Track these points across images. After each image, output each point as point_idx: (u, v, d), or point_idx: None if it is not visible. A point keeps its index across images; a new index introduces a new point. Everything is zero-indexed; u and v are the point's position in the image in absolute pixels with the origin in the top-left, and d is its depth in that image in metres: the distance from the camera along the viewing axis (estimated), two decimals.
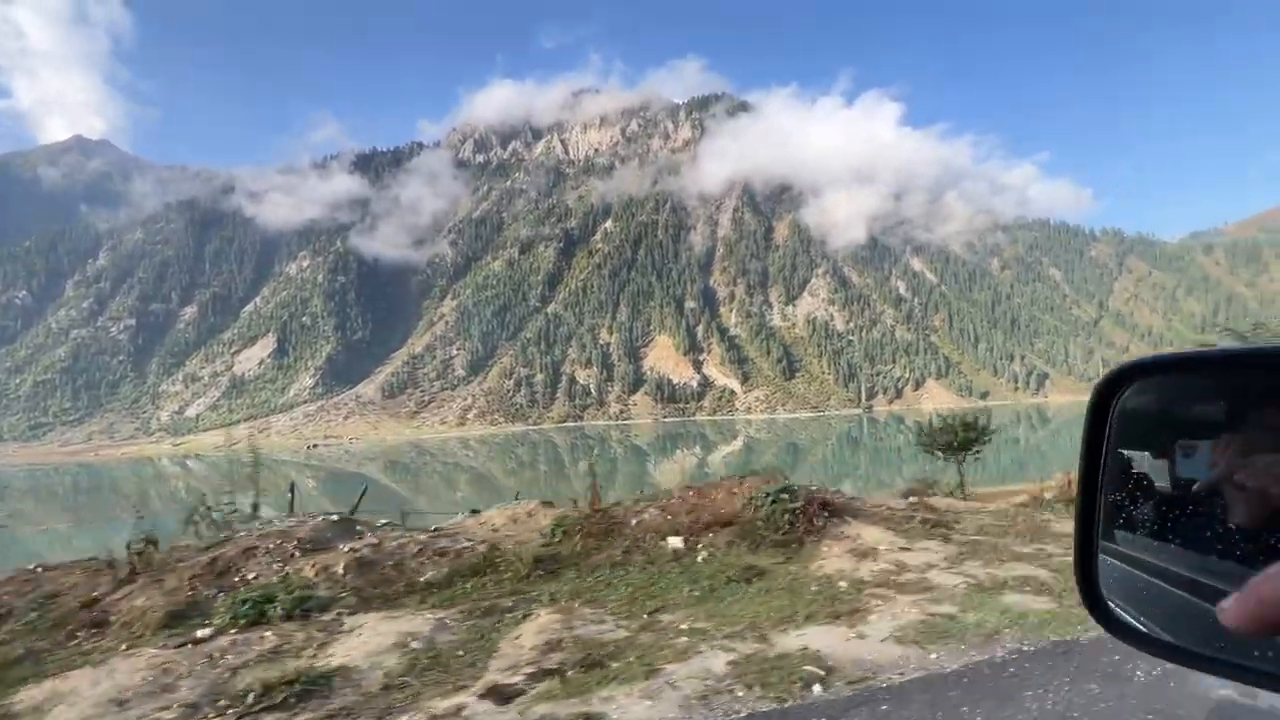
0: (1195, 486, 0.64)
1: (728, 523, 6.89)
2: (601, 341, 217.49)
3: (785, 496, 7.21)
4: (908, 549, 6.29)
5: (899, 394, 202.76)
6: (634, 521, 7.25)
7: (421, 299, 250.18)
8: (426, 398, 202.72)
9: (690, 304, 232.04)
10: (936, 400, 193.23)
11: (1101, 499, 0.76)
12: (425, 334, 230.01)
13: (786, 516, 6.93)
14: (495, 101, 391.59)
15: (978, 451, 26.27)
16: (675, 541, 6.57)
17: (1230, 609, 0.40)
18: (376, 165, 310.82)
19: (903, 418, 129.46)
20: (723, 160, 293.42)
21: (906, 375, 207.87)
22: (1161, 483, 0.68)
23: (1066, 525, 7.58)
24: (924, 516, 7.62)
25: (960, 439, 24.99)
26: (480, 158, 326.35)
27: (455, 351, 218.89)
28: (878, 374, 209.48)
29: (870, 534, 6.75)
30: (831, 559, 6.11)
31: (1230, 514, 0.59)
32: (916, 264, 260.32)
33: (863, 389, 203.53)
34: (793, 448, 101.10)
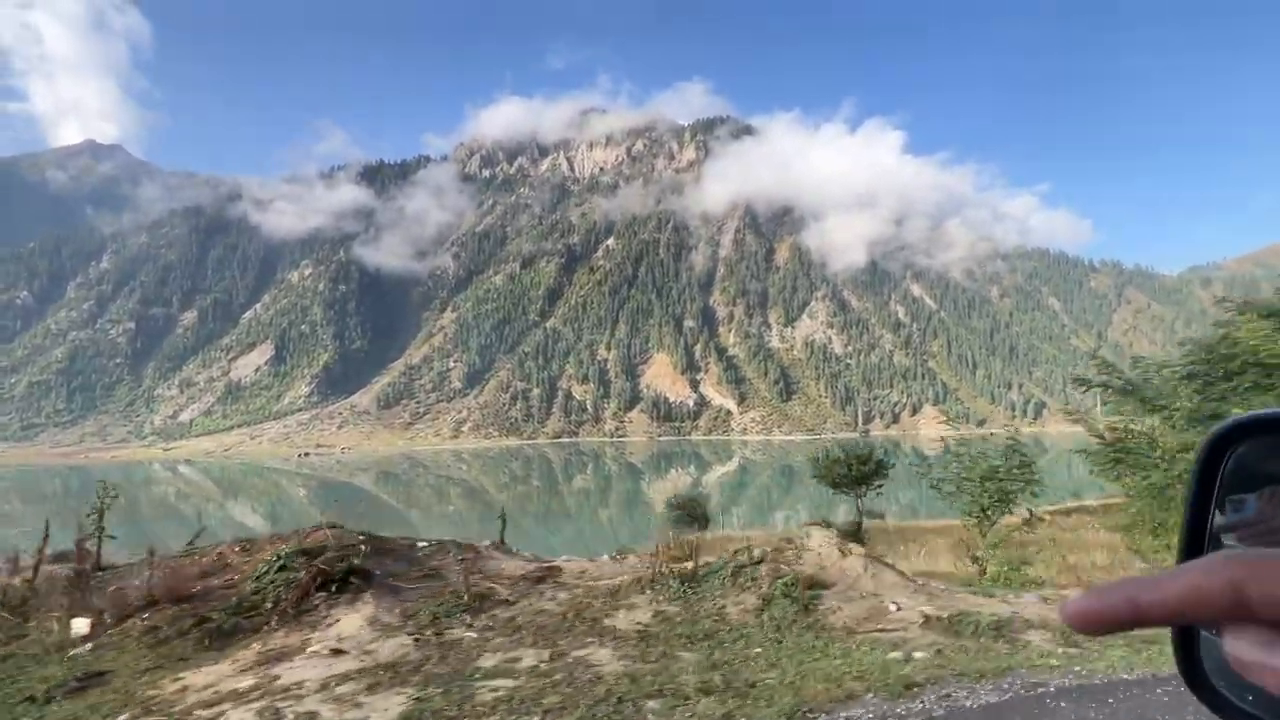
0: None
1: (184, 598, 5.41)
2: (599, 358, 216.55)
3: (300, 561, 5.74)
4: (328, 656, 4.74)
5: (896, 419, 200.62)
6: (112, 589, 5.76)
7: (421, 310, 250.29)
8: (421, 409, 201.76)
9: (689, 323, 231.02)
10: (933, 426, 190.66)
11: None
12: (423, 345, 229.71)
13: (279, 590, 5.46)
14: (503, 118, 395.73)
15: (879, 486, 24.57)
16: (81, 626, 5.16)
17: (1069, 606, 0.41)
18: (383, 177, 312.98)
19: (899, 443, 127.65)
20: (726, 182, 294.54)
21: (904, 400, 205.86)
22: (1228, 540, 0.64)
23: (622, 620, 5.97)
24: (474, 594, 6.09)
25: (855, 473, 23.32)
26: (486, 173, 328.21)
27: (452, 364, 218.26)
28: (875, 398, 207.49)
29: (349, 623, 5.28)
30: (207, 671, 4.58)
31: None
32: (916, 289, 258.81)
33: (859, 413, 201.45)
34: (788, 470, 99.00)
